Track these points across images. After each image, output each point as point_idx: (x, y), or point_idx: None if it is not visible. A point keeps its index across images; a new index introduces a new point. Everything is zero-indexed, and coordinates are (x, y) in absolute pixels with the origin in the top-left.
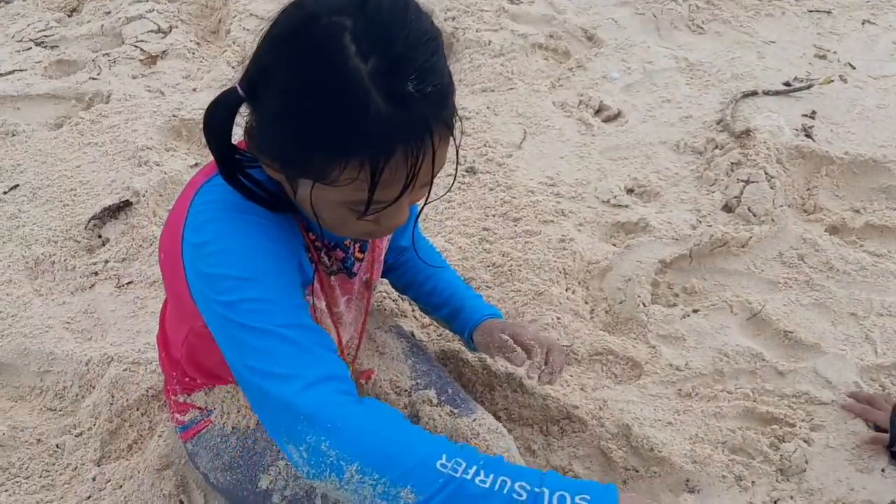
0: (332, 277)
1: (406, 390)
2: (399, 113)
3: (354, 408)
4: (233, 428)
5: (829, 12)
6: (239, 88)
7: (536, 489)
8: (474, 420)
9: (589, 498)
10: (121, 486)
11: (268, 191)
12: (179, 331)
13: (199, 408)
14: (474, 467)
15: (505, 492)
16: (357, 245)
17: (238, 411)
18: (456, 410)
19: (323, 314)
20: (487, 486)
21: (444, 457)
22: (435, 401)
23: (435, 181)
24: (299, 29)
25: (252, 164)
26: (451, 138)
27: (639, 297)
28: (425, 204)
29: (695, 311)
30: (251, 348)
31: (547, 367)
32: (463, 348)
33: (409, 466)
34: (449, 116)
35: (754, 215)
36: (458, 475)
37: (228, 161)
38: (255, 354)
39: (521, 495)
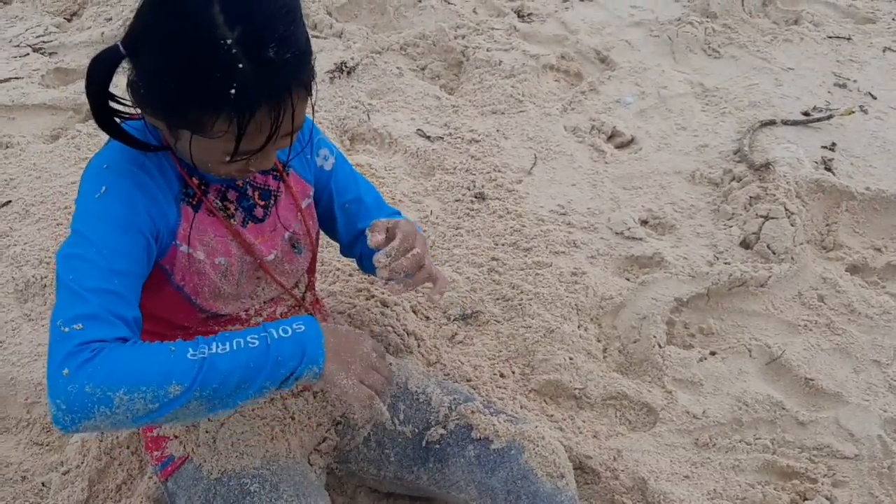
0: (245, 228)
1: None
2: (262, 76)
3: (101, 352)
4: (207, 473)
5: (849, 38)
6: (120, 46)
7: (263, 332)
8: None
9: (302, 324)
10: None
11: (144, 137)
12: None
13: (173, 437)
14: (213, 343)
15: (242, 346)
16: (257, 193)
17: (214, 456)
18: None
19: (202, 263)
20: (228, 350)
21: (189, 350)
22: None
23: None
24: None
25: (130, 115)
26: (309, 97)
27: (654, 337)
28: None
29: (712, 353)
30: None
31: (396, 261)
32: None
33: (167, 369)
34: (307, 79)
35: (773, 253)
36: (205, 355)
37: (104, 110)
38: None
39: (254, 342)
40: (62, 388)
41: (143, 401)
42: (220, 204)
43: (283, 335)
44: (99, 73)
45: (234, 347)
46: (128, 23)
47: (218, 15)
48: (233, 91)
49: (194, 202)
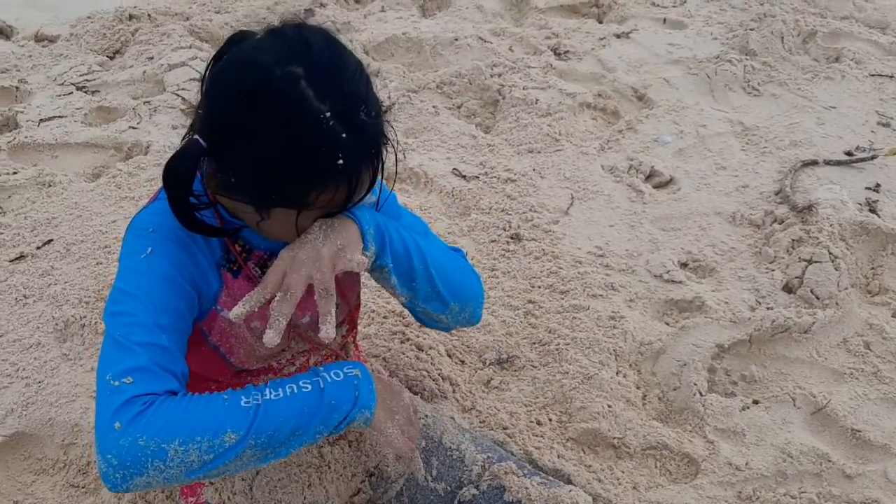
0: None
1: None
2: (360, 139)
3: (153, 404)
4: None
5: (891, 76)
6: (200, 140)
7: (315, 377)
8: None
9: (353, 368)
10: None
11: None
12: None
13: (209, 483)
14: (266, 390)
15: (296, 391)
16: None
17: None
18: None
19: (240, 327)
20: (282, 395)
21: (242, 398)
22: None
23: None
24: (257, 83)
25: (202, 204)
26: (387, 144)
27: (695, 384)
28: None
29: (755, 402)
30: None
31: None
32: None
33: (221, 418)
34: (386, 128)
35: (817, 298)
36: (259, 402)
37: (188, 205)
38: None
39: (307, 387)
40: (114, 441)
41: (197, 451)
42: (259, 272)
43: (336, 378)
44: (184, 169)
45: (288, 393)
46: (200, 114)
47: (307, 90)
48: (340, 162)
49: (234, 268)
